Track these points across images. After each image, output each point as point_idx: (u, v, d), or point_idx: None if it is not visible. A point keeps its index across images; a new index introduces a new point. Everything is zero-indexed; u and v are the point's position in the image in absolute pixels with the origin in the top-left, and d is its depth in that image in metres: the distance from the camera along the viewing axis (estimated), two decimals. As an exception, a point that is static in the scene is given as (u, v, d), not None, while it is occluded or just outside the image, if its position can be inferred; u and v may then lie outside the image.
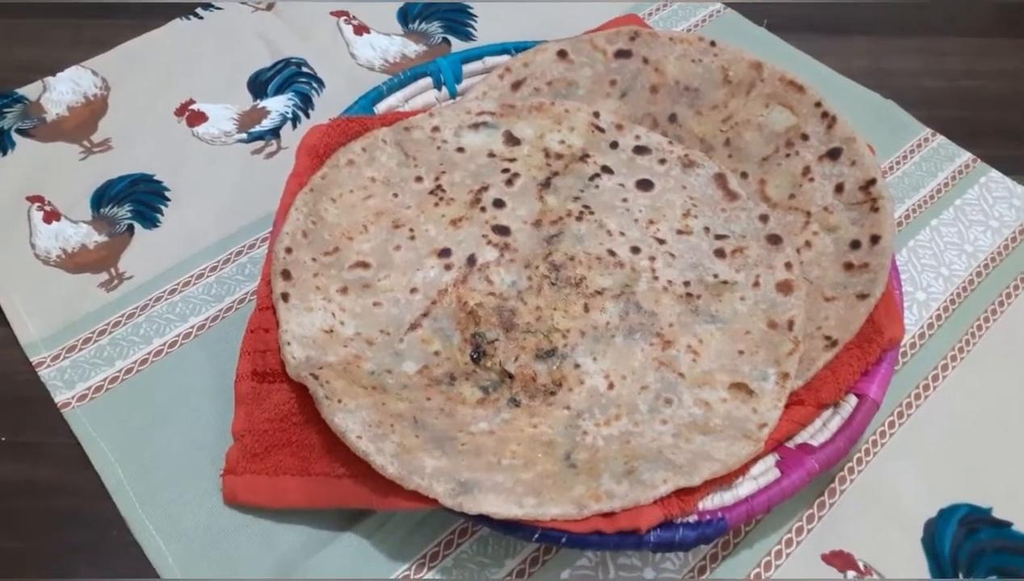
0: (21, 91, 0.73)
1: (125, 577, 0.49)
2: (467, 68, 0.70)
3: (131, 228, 0.64)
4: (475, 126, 0.64)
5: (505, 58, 0.70)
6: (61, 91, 0.73)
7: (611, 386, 0.52)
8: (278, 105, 0.73)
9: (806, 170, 0.62)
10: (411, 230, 0.59)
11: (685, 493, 0.47)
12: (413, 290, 0.56)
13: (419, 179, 0.62)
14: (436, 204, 0.61)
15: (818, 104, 0.63)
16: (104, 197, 0.66)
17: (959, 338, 0.61)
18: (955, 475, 0.54)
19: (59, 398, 0.55)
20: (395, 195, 0.61)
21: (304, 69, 0.76)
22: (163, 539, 0.50)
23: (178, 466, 0.53)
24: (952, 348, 0.60)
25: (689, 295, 0.57)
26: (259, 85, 0.74)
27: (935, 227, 0.67)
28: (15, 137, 0.69)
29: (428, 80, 0.69)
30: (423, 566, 0.50)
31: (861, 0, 0.86)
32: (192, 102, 0.72)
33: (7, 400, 0.56)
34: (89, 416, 0.55)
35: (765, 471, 0.50)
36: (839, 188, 0.60)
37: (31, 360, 0.57)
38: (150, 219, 0.65)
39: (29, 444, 0.54)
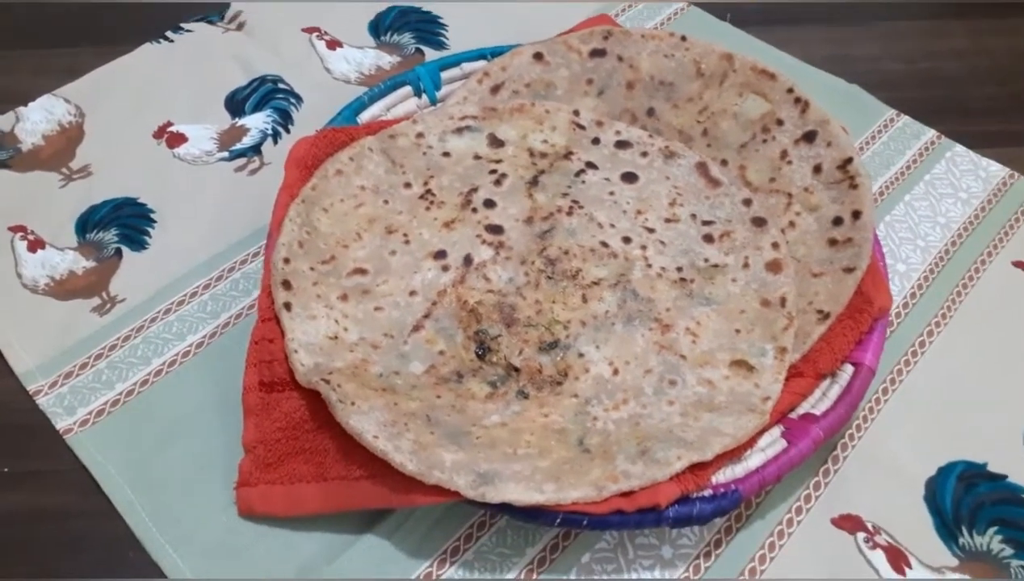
0: (-7, 123, 0.72)
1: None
2: (445, 75, 0.71)
3: (119, 252, 0.64)
4: (459, 131, 0.65)
5: (482, 63, 0.71)
6: (35, 120, 0.72)
7: (616, 372, 0.53)
8: (257, 122, 0.73)
9: (784, 154, 0.64)
10: (405, 235, 0.60)
11: (698, 468, 0.48)
12: (412, 293, 0.57)
13: (408, 185, 0.62)
14: (427, 208, 0.61)
15: (790, 90, 0.65)
16: (89, 222, 0.65)
17: (941, 304, 0.63)
18: (949, 434, 0.56)
19: (60, 424, 0.55)
20: (385, 202, 0.61)
21: (280, 85, 0.76)
22: (180, 556, 0.50)
23: (188, 482, 0.52)
24: (935, 314, 0.62)
25: (683, 280, 0.58)
26: (236, 103, 0.74)
27: (908, 202, 0.70)
28: (-8, 168, 0.69)
29: (408, 88, 0.69)
30: (444, 562, 0.50)
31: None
32: (170, 124, 0.72)
33: (6, 430, 0.55)
34: (93, 440, 0.54)
35: (772, 442, 0.51)
36: (817, 169, 0.62)
37: (28, 389, 0.56)
38: (138, 242, 0.65)
39: (33, 472, 0.53)
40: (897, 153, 0.73)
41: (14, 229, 0.65)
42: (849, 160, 0.61)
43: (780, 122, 0.65)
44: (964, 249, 0.66)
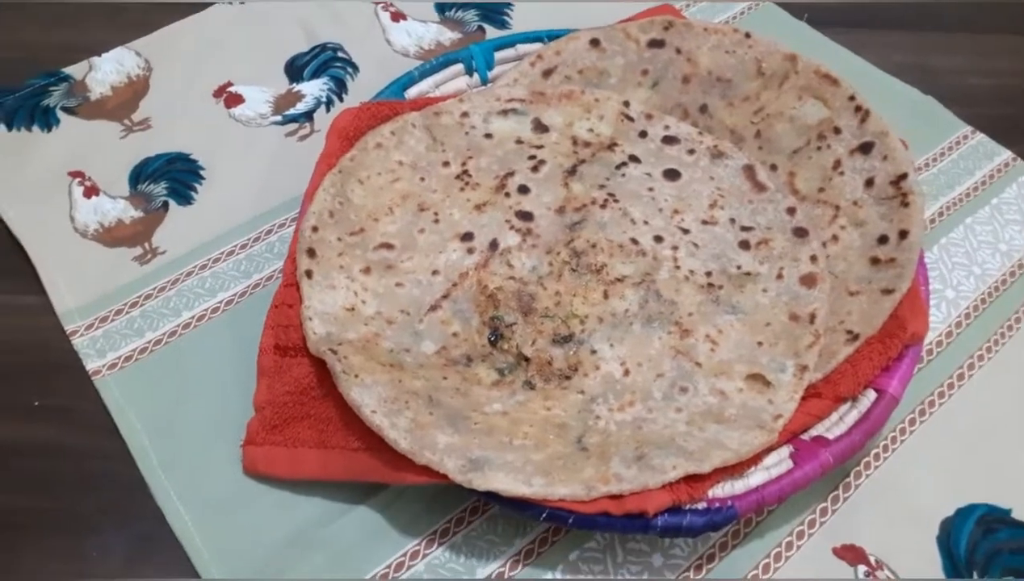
0: (67, 70, 0.75)
1: (148, 538, 0.51)
2: (499, 55, 0.70)
3: (166, 205, 0.66)
4: (504, 113, 0.65)
5: (537, 46, 0.70)
6: (105, 71, 0.75)
7: (627, 372, 0.52)
8: (313, 89, 0.74)
9: (837, 163, 0.61)
10: (436, 214, 0.60)
11: (695, 480, 0.47)
12: (435, 272, 0.57)
13: (446, 164, 0.62)
14: (462, 189, 0.61)
15: (852, 97, 0.62)
16: (142, 174, 0.68)
17: (988, 338, 0.60)
18: (975, 475, 0.53)
19: (91, 366, 0.57)
20: (422, 179, 0.62)
21: (340, 54, 0.77)
22: (183, 504, 0.51)
23: (201, 435, 0.54)
24: (980, 348, 0.59)
25: (711, 285, 0.56)
26: (296, 69, 0.76)
27: (969, 225, 0.66)
28: (60, 114, 0.72)
29: (460, 66, 0.69)
30: (433, 541, 0.50)
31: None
32: (230, 84, 0.74)
33: (41, 366, 0.58)
34: (118, 384, 0.56)
35: (778, 462, 0.49)
36: (869, 182, 0.59)
37: (65, 328, 0.59)
38: (184, 196, 0.67)
39: (60, 409, 0.56)
40: (965, 172, 0.69)
41: (73, 174, 0.68)
42: (904, 176, 0.58)
43: (837, 130, 0.62)
44: (1022, 281, 0.62)
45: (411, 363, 0.52)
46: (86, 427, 0.55)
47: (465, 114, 0.64)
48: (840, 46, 0.79)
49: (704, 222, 0.60)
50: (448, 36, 0.79)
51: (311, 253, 0.55)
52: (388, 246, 0.58)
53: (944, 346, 0.59)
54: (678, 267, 0.57)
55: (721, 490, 0.48)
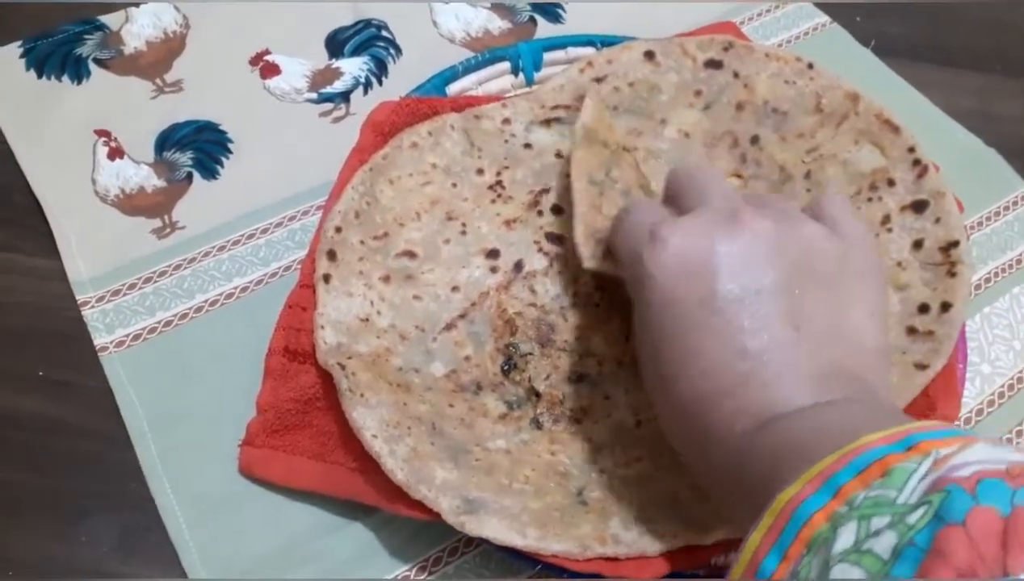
0: (103, 19, 0.73)
1: (138, 528, 0.50)
2: (548, 56, 0.67)
3: (190, 177, 0.64)
4: (547, 122, 0.62)
5: (589, 51, 0.67)
6: (142, 24, 0.73)
7: (639, 424, 0.51)
8: (352, 67, 0.72)
9: (886, 219, 0.58)
10: (463, 224, 0.58)
11: (696, 549, 0.45)
12: (455, 288, 0.55)
13: (480, 171, 0.60)
14: (493, 200, 0.59)
15: (912, 149, 0.59)
16: (168, 141, 0.66)
17: (1021, 419, 0.57)
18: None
19: (98, 341, 0.56)
20: (454, 185, 0.59)
21: (384, 33, 0.74)
22: (177, 498, 0.51)
23: (202, 427, 0.53)
24: (1010, 430, 0.57)
25: None
26: (337, 44, 0.73)
27: (1016, 295, 0.63)
28: (92, 66, 0.70)
29: (506, 64, 0.66)
30: (424, 569, 0.49)
31: (985, 20, 0.81)
32: (267, 52, 0.71)
33: (49, 334, 0.57)
34: (124, 363, 0.55)
35: (786, 535, 0.48)
36: (918, 244, 0.56)
37: (77, 298, 0.58)
38: (210, 169, 0.65)
39: (63, 382, 0.55)
40: (1020, 237, 0.66)
41: (100, 133, 0.66)
42: (955, 243, 0.55)
43: (892, 183, 0.59)
44: (1064, 362, 0.60)
45: (419, 385, 0.51)
46: (87, 405, 0.54)
47: (507, 121, 0.62)
48: (904, 80, 0.75)
49: None
50: (497, 24, 0.76)
51: (331, 255, 0.54)
52: (411, 254, 0.56)
53: (972, 423, 0.57)
54: (708, 313, 0.55)
55: (724, 557, 0.47)
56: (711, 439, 0.39)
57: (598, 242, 0.51)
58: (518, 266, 0.56)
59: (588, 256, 0.51)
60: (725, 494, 0.40)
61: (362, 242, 0.55)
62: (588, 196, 0.54)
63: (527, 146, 0.61)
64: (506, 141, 0.61)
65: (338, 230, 0.55)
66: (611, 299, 0.55)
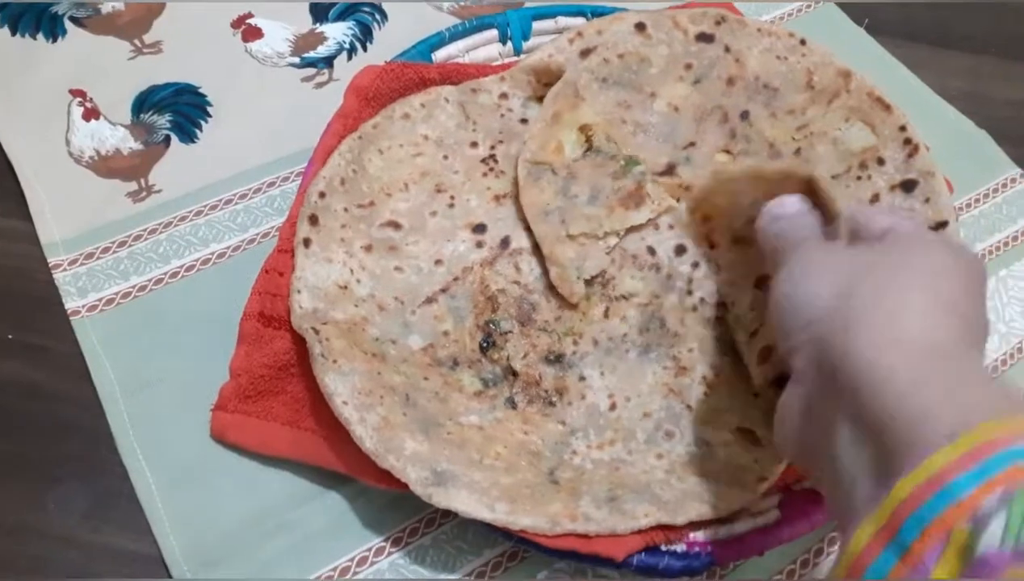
0: (81, -25, 0.71)
1: (109, 495, 0.49)
2: (537, 25, 0.66)
3: (167, 140, 0.63)
4: (543, 98, 0.60)
5: (580, 21, 0.66)
6: (121, -19, 0.71)
7: (613, 406, 0.50)
8: (336, 32, 0.70)
9: (875, 197, 0.57)
10: (452, 197, 0.57)
11: (667, 528, 0.45)
12: (438, 261, 0.54)
13: (474, 144, 0.59)
14: (485, 174, 0.58)
15: (902, 128, 0.58)
16: (146, 103, 0.64)
17: (1003, 402, 0.57)
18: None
19: (70, 305, 0.55)
20: (445, 157, 0.58)
21: (370, -2, 0.73)
22: (148, 465, 0.50)
23: (175, 393, 0.52)
24: (993, 413, 0.56)
25: (719, 319, 0.53)
26: (320, 8, 0.71)
27: (1003, 278, 0.63)
28: (67, 25, 0.68)
29: (494, 32, 0.65)
30: (400, 541, 0.49)
31: (978, 1, 0.80)
32: (250, 16, 0.70)
33: (19, 297, 0.56)
34: (96, 328, 0.54)
35: (766, 511, 0.47)
36: (906, 224, 0.56)
37: (49, 261, 0.56)
38: (188, 133, 0.63)
39: (34, 346, 0.54)
40: (1008, 220, 0.65)
41: (75, 93, 0.64)
42: (944, 224, 0.55)
43: (881, 161, 0.58)
44: (1049, 346, 0.60)
45: (394, 356, 0.50)
46: (58, 369, 0.53)
47: (504, 96, 0.60)
48: (897, 61, 0.74)
49: (735, 241, 0.56)
50: (487, -9, 0.75)
51: (313, 220, 0.52)
52: (395, 225, 0.55)
53: (955, 405, 0.57)
54: (690, 292, 0.54)
55: (703, 534, 0.46)
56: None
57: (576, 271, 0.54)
58: (504, 242, 0.55)
59: (570, 294, 0.53)
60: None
61: (346, 209, 0.54)
62: (550, 232, 0.55)
63: (523, 121, 0.60)
64: (502, 115, 0.60)
65: (322, 195, 0.53)
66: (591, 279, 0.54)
